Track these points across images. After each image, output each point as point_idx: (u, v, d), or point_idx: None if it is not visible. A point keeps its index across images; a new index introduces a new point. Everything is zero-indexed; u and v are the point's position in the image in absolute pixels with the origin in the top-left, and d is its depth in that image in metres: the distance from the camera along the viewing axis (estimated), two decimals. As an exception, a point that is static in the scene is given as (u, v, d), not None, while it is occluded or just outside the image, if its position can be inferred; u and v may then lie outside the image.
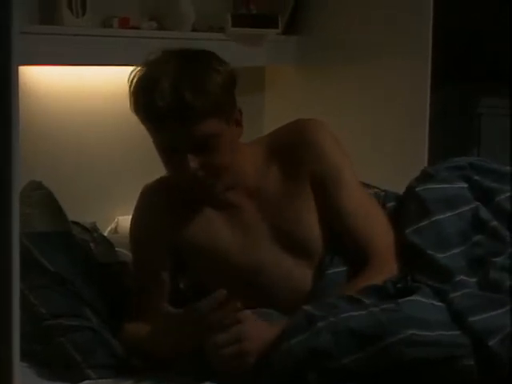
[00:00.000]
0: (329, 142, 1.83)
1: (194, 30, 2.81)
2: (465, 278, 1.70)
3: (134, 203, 1.91)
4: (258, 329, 1.59)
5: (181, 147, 1.68)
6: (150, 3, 2.71)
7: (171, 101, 1.64)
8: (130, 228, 1.91)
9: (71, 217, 2.10)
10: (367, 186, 1.98)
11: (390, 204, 1.93)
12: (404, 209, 1.87)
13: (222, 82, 1.70)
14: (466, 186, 1.87)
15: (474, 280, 1.71)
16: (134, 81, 1.72)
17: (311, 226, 1.81)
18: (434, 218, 1.80)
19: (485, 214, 1.82)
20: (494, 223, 1.81)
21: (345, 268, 1.80)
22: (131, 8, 2.65)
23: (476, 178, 1.88)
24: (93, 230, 2.16)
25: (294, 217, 1.81)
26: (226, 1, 3.01)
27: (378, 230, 1.81)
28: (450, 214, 1.81)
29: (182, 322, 1.65)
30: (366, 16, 2.87)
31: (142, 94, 1.69)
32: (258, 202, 1.82)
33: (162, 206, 1.84)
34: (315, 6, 3.13)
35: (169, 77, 1.65)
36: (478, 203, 1.84)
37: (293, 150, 1.82)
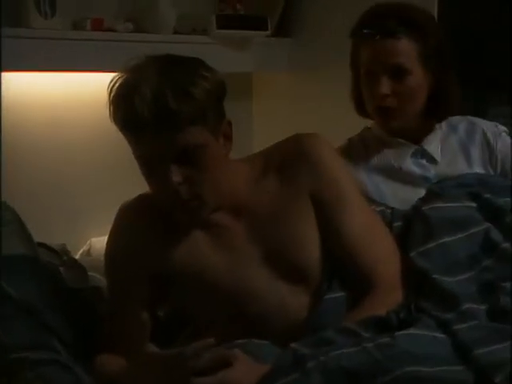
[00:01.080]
0: (330, 159, 1.81)
1: (174, 32, 2.82)
2: (473, 305, 1.68)
3: (110, 223, 1.89)
4: (248, 374, 1.54)
5: (163, 158, 1.66)
6: (126, 3, 2.71)
7: (153, 107, 1.61)
8: (106, 250, 1.86)
9: (37, 238, 2.06)
10: (374, 202, 1.96)
11: (397, 223, 1.91)
12: (410, 230, 1.86)
13: (210, 89, 1.67)
14: (474, 205, 1.86)
15: (483, 308, 1.69)
16: (114, 88, 1.70)
17: (308, 247, 1.78)
18: (441, 240, 1.79)
19: (496, 235, 1.81)
20: (505, 245, 1.78)
21: (344, 293, 1.77)
22: (105, 8, 2.65)
23: (486, 195, 1.87)
24: (62, 253, 2.14)
25: (288, 238, 1.78)
26: (210, 0, 3.01)
27: (383, 253, 1.79)
28: (459, 235, 1.80)
29: (166, 365, 1.61)
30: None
31: (122, 101, 1.66)
32: (249, 222, 1.79)
33: (140, 226, 1.80)
34: (308, 5, 3.12)
35: (150, 82, 1.63)
36: (488, 224, 1.83)
37: (291, 167, 1.80)
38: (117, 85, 1.69)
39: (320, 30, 3.08)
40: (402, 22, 2.05)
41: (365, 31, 2.08)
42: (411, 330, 1.58)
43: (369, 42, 2.07)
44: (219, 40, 2.91)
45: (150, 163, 1.68)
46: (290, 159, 1.81)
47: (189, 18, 2.87)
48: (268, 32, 3.05)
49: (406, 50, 2.05)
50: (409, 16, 2.07)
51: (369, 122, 2.25)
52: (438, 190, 1.92)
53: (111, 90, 1.70)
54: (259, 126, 3.25)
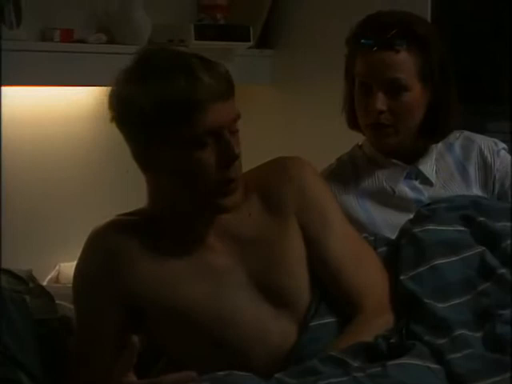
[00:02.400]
0: (314, 183, 1.85)
1: (150, 43, 2.79)
2: (467, 332, 1.67)
3: (81, 247, 1.87)
4: None
5: (223, 128, 1.71)
6: (98, 12, 2.70)
7: (214, 75, 1.69)
8: (75, 275, 1.85)
9: (1, 264, 2.05)
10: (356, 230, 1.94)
11: (382, 249, 1.90)
12: (398, 253, 1.84)
13: None
14: (467, 230, 1.85)
15: (478, 335, 1.68)
16: (145, 75, 1.72)
17: (294, 271, 1.80)
18: (434, 263, 1.78)
19: (492, 259, 1.79)
20: (503, 271, 1.77)
21: (332, 319, 1.76)
22: (75, 18, 2.64)
23: (480, 219, 1.85)
24: (28, 280, 2.10)
25: (274, 261, 1.79)
26: (188, 9, 3.00)
27: (370, 277, 1.81)
28: (452, 258, 1.79)
29: None
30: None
31: (179, 76, 1.69)
32: (234, 243, 1.80)
33: (114, 251, 1.78)
34: (292, 15, 3.12)
35: (191, 57, 1.72)
36: (483, 247, 1.82)
37: (274, 192, 1.83)
38: (149, 69, 1.72)
39: (305, 40, 3.07)
40: (402, 34, 2.02)
41: (362, 41, 2.04)
42: (403, 360, 1.57)
43: (365, 53, 2.04)
44: (198, 51, 2.89)
45: (207, 139, 1.71)
46: (272, 183, 1.83)
47: (165, 28, 2.85)
48: (250, 43, 3.04)
49: (405, 64, 2.03)
50: (410, 27, 2.04)
51: (356, 138, 2.23)
52: (428, 212, 1.90)
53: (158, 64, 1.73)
54: (241, 143, 3.24)
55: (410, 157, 2.13)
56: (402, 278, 1.78)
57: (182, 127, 1.71)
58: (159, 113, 1.70)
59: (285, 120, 3.15)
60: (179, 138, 1.72)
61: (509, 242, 1.82)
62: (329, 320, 1.76)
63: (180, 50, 1.80)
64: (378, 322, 1.74)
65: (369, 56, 2.04)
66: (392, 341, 1.65)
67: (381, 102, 2.03)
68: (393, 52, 2.02)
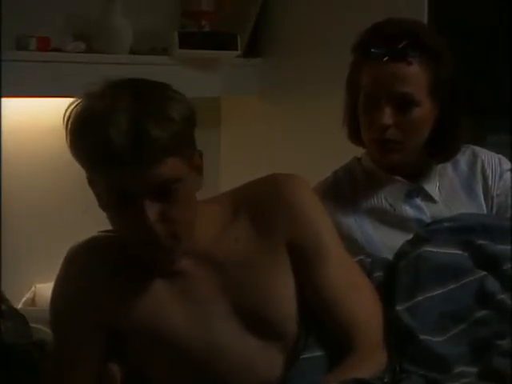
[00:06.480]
0: (310, 205, 1.80)
1: (131, 52, 2.79)
2: (464, 369, 1.66)
3: (58, 267, 1.86)
4: None
5: (137, 193, 1.63)
6: (76, 20, 2.69)
7: (130, 136, 1.59)
8: (52, 298, 1.83)
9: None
10: (351, 251, 1.89)
11: (378, 274, 1.88)
12: (395, 279, 1.83)
13: (185, 114, 1.66)
14: (466, 254, 1.83)
15: (474, 370, 1.66)
16: (77, 116, 1.66)
17: (283, 300, 1.77)
18: (432, 294, 1.76)
19: (492, 285, 1.78)
20: (502, 296, 1.76)
21: (322, 353, 1.74)
22: (52, 26, 2.63)
23: (480, 242, 1.84)
24: (0, 302, 2.10)
25: (260, 290, 1.76)
26: (171, 16, 2.99)
27: (365, 311, 1.78)
28: (450, 286, 1.78)
29: None
30: (343, 35, 2.85)
31: (90, 131, 1.62)
32: (217, 271, 1.77)
33: (94, 273, 1.77)
34: (281, 21, 3.12)
35: (124, 108, 1.61)
36: (484, 272, 1.80)
37: (265, 213, 1.79)
38: (79, 113, 1.66)
39: (294, 48, 3.06)
40: (415, 45, 1.98)
41: (372, 50, 1.99)
42: None
43: (375, 63, 1.99)
44: (182, 60, 2.89)
45: (120, 199, 1.65)
46: (264, 203, 1.79)
47: (148, 35, 2.86)
48: (238, 51, 3.03)
49: (416, 77, 1.99)
50: (423, 39, 2.00)
51: (350, 152, 2.21)
52: (426, 234, 1.88)
53: (71, 118, 1.66)
54: (227, 157, 3.22)
55: (412, 174, 2.10)
56: (398, 308, 1.76)
57: (100, 184, 1.67)
58: (83, 162, 1.67)
59: (273, 132, 3.14)
60: (100, 191, 1.69)
61: (509, 264, 1.80)
62: (318, 354, 1.73)
63: (120, 101, 1.64)
64: (371, 361, 1.71)
65: (378, 67, 1.99)
66: (386, 380, 1.64)
67: (388, 116, 1.98)
68: (404, 64, 1.97)
